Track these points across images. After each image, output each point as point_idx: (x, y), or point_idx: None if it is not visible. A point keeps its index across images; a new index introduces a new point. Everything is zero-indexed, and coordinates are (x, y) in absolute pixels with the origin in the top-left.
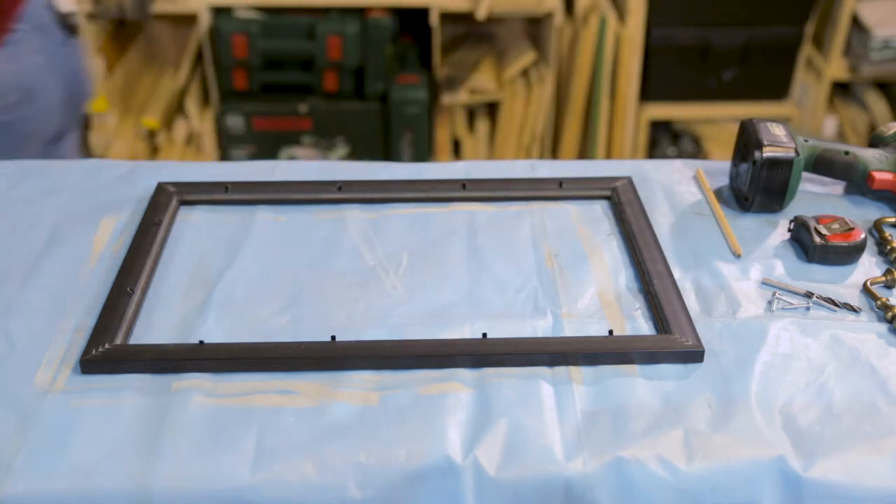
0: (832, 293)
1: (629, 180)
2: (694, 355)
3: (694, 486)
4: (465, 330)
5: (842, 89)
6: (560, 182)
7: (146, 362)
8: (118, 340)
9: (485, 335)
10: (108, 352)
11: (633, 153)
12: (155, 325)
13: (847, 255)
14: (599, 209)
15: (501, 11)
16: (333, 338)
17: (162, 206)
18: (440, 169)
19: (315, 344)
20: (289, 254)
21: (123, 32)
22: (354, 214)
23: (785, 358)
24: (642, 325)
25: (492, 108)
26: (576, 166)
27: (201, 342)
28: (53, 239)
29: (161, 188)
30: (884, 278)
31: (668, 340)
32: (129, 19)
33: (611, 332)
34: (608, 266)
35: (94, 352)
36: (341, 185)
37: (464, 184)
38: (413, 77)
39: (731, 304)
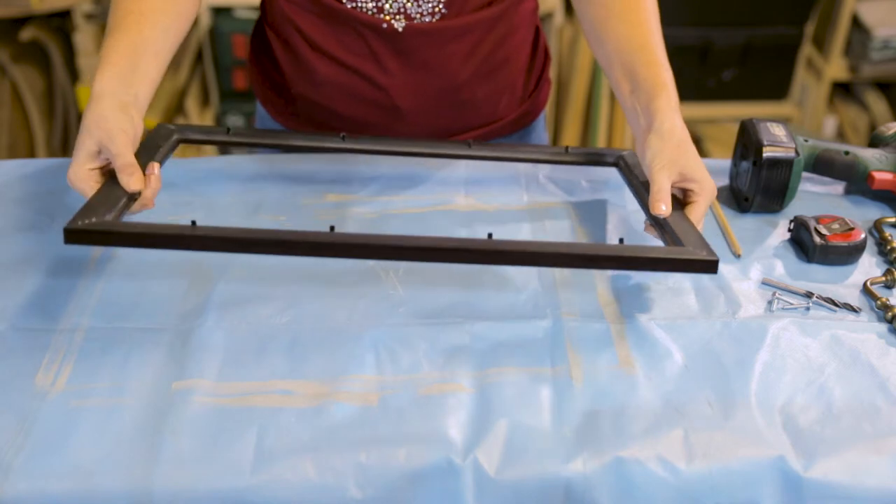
0: (832, 293)
1: (633, 152)
2: (708, 265)
3: (694, 486)
4: (465, 330)
5: (842, 89)
6: (566, 148)
7: (130, 235)
8: (109, 219)
9: (490, 235)
10: (95, 224)
11: None
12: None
13: (847, 255)
14: (600, 208)
15: None
16: (332, 228)
17: (161, 138)
18: (442, 168)
19: (316, 233)
20: None
21: None
22: (355, 213)
23: (785, 358)
24: (641, 325)
25: None
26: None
27: (193, 222)
28: (54, 239)
29: (161, 126)
30: (884, 278)
31: (681, 251)
32: None
33: (621, 240)
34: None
35: (80, 223)
36: (345, 136)
37: (469, 143)
38: None
39: (731, 304)
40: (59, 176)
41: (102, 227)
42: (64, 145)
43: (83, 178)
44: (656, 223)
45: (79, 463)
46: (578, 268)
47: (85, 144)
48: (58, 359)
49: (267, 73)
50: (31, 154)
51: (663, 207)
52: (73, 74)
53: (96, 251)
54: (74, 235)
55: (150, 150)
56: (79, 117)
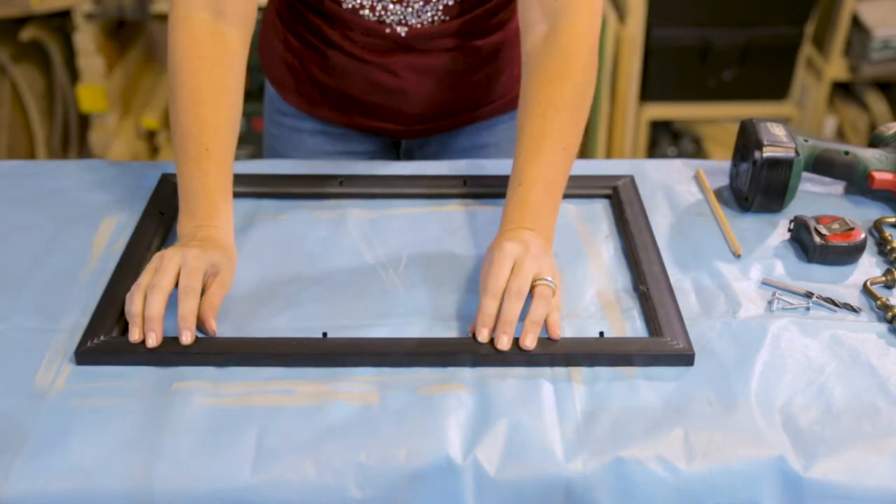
0: (832, 293)
1: (631, 179)
2: (684, 358)
3: (694, 486)
4: (466, 329)
5: (842, 89)
6: None
7: (139, 354)
8: (114, 333)
9: (474, 336)
10: (104, 344)
11: (633, 153)
12: None
13: (847, 255)
14: (600, 208)
15: None
16: (325, 334)
17: (165, 197)
18: (442, 166)
19: (308, 340)
20: (289, 253)
21: (123, 32)
22: (355, 214)
23: (785, 358)
24: (641, 326)
25: None
26: (576, 165)
27: (197, 338)
28: (54, 239)
29: (165, 179)
30: (884, 278)
31: (659, 343)
32: (129, 19)
33: (601, 333)
34: (608, 266)
35: (89, 343)
36: (342, 181)
37: (465, 180)
38: None
39: (731, 304)
40: (59, 176)
41: (111, 346)
42: (64, 145)
43: (198, 281)
44: (641, 294)
45: (79, 463)
46: (558, 367)
47: (218, 261)
48: (58, 359)
49: (279, 56)
50: (31, 154)
51: (484, 332)
52: (73, 74)
53: (96, 252)
54: (85, 357)
55: (158, 203)
56: (79, 117)
